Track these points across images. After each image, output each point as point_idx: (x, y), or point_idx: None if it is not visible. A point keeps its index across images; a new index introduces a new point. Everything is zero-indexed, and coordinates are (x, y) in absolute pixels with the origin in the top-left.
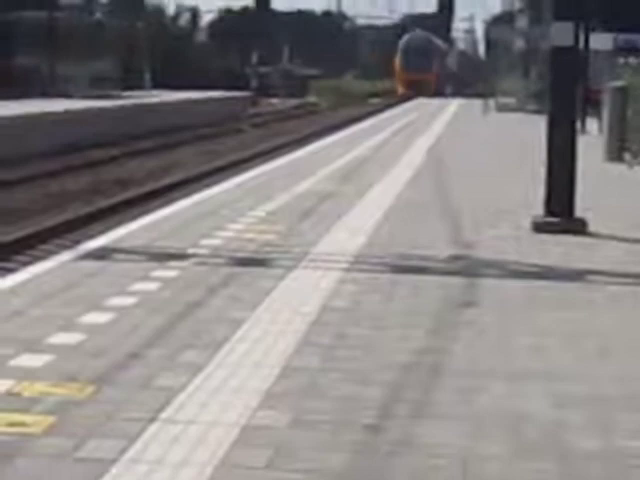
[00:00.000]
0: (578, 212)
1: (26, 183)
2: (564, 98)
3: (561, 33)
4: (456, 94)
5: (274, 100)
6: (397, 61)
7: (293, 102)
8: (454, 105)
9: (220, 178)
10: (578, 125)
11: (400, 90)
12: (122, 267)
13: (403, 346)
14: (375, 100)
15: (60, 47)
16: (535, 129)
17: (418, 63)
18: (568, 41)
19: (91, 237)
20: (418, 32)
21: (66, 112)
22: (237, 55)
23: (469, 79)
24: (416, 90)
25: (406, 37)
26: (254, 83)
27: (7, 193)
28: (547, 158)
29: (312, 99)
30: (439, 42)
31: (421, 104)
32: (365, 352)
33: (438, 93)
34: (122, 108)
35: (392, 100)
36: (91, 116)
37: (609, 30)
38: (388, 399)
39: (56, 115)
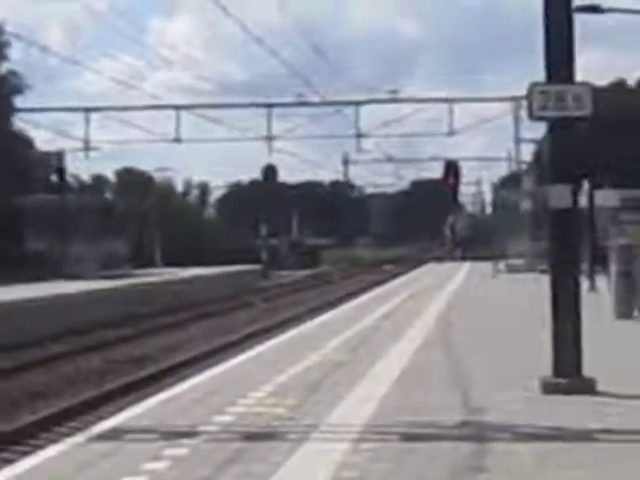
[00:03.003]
0: (586, 371)
1: (40, 366)
2: (565, 258)
3: (559, 195)
4: (466, 257)
5: (285, 272)
6: (446, 230)
7: (304, 273)
8: (464, 268)
9: (231, 353)
10: (587, 283)
11: (450, 248)
12: (133, 447)
13: None
14: (388, 267)
15: (70, 228)
16: (544, 289)
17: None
18: (566, 203)
19: (103, 418)
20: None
21: (77, 294)
22: (246, 228)
23: (478, 241)
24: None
25: (452, 217)
26: (264, 255)
27: (21, 377)
28: (552, 318)
29: (324, 269)
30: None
31: (432, 269)
32: None
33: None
34: (133, 287)
35: (405, 267)
36: (101, 297)
37: (615, 187)
38: None
39: (67, 297)
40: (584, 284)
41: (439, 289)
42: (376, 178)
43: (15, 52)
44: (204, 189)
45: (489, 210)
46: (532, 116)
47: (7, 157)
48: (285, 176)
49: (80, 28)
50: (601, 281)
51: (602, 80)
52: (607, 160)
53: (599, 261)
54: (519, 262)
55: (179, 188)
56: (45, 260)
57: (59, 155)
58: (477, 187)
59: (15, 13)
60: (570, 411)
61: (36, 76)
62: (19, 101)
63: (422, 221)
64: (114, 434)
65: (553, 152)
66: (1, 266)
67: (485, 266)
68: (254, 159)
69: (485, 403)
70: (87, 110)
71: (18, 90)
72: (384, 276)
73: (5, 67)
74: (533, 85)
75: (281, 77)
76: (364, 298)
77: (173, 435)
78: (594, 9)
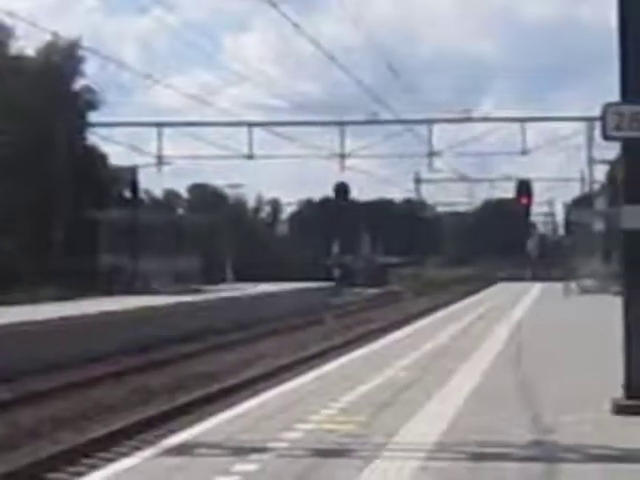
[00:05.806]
0: None
1: (111, 379)
2: (638, 280)
3: (632, 216)
4: (536, 278)
5: (356, 289)
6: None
7: (375, 291)
8: (535, 289)
9: (302, 370)
10: None
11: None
12: (203, 462)
13: None
14: (458, 287)
15: (143, 244)
16: (617, 311)
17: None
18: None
19: (174, 432)
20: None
21: (148, 309)
22: (318, 246)
23: (549, 262)
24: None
25: (530, 240)
26: (336, 273)
27: (94, 390)
28: (624, 338)
29: (394, 287)
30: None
31: (503, 289)
32: None
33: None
34: (204, 303)
35: (475, 286)
36: (173, 312)
37: None
38: None
39: (139, 312)
40: None
41: (509, 308)
42: (448, 197)
43: (90, 67)
44: (276, 206)
45: (561, 231)
46: (606, 136)
47: (81, 172)
48: (357, 194)
49: (154, 42)
50: None
51: None
52: None
53: None
54: (591, 283)
55: (251, 204)
56: (117, 274)
57: (132, 170)
58: (549, 207)
59: (90, 29)
60: None
61: (110, 90)
62: (93, 116)
63: (493, 240)
64: (184, 449)
65: (627, 173)
66: (75, 279)
67: (556, 287)
68: (326, 177)
69: (555, 424)
70: (160, 125)
71: (93, 106)
72: (455, 295)
73: (81, 83)
74: (608, 105)
75: (354, 95)
76: (435, 317)
77: (243, 451)
78: None
